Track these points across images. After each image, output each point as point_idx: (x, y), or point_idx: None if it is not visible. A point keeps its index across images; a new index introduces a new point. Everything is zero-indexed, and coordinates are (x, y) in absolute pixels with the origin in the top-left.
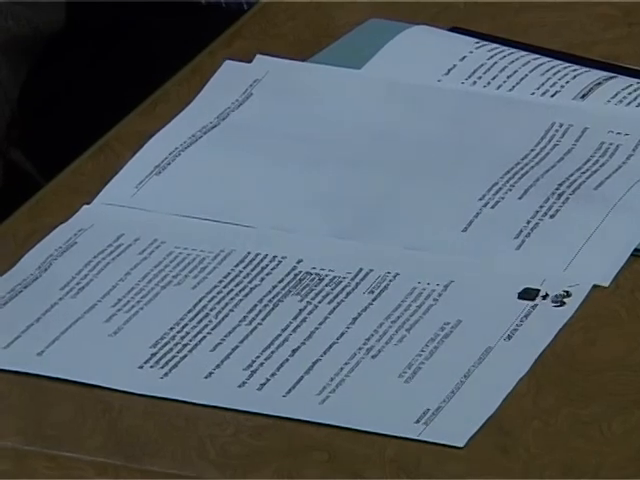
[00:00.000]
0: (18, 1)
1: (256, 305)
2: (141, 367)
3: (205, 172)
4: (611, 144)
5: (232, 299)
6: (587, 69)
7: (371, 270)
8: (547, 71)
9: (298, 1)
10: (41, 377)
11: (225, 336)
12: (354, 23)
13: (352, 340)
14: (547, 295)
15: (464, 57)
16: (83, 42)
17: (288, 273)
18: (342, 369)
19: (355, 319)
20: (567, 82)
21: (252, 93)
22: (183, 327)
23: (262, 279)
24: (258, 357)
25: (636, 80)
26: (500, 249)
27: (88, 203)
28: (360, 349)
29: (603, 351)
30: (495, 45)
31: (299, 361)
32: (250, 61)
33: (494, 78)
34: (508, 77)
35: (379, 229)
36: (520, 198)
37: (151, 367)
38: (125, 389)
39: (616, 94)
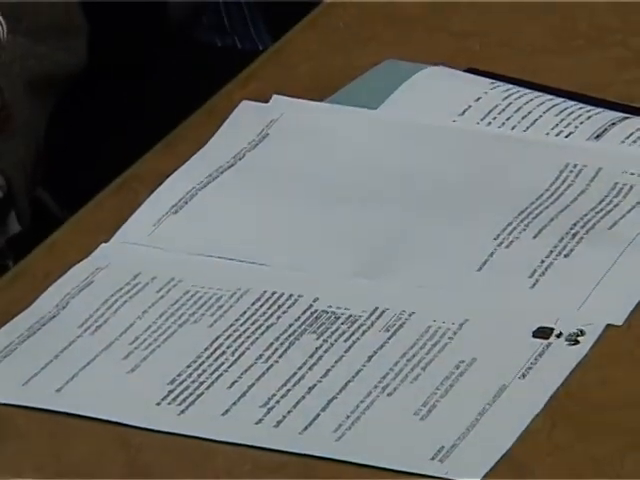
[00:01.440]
0: (41, 42)
1: (272, 343)
2: (159, 404)
3: (222, 211)
4: (625, 184)
5: (248, 337)
6: (601, 110)
7: (387, 309)
8: (561, 112)
9: (313, 42)
10: (59, 413)
11: (242, 374)
12: (370, 64)
13: (368, 378)
14: (561, 334)
15: (479, 98)
16: (103, 81)
17: (304, 311)
18: (358, 407)
19: (371, 357)
20: (581, 123)
21: (268, 133)
22: (200, 365)
23: (278, 317)
24: (275, 394)
25: None
26: (514, 288)
27: (106, 241)
28: (376, 387)
29: (617, 389)
30: (510, 86)
31: (315, 398)
32: (266, 102)
33: (509, 119)
34: (523, 118)
35: (394, 268)
36: (534, 237)
37: (169, 404)
38: (143, 425)
39: (630, 135)
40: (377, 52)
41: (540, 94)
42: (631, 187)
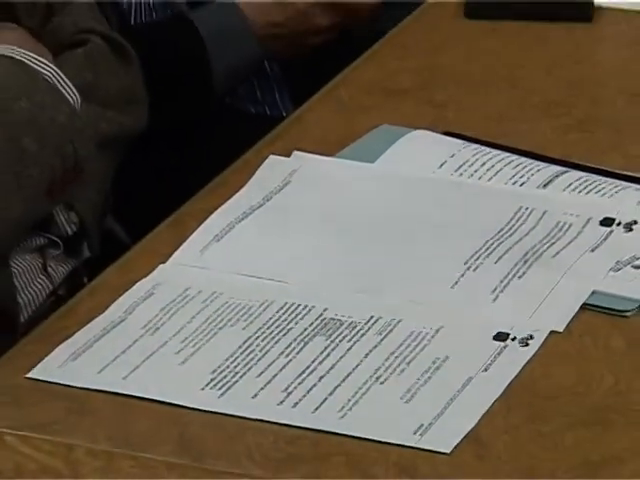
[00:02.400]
0: (110, 109)
1: (291, 343)
2: (203, 389)
3: (253, 240)
4: (565, 223)
5: (273, 338)
6: (548, 165)
7: (380, 317)
8: (517, 166)
9: (325, 110)
10: (126, 396)
11: (267, 366)
12: (369, 128)
13: (365, 371)
14: (515, 338)
15: (453, 154)
16: (161, 138)
17: (316, 318)
18: (357, 392)
19: (367, 354)
20: (532, 174)
21: (290, 181)
22: (235, 359)
23: (296, 323)
24: (292, 382)
25: (585, 174)
26: (480, 302)
27: (163, 263)
28: (371, 377)
29: (558, 382)
30: (477, 146)
31: (325, 386)
32: (288, 156)
33: (476, 171)
34: (487, 170)
35: (387, 286)
36: (495, 263)
37: (210, 389)
38: (190, 406)
39: (570, 184)
40: (375, 118)
41: (501, 152)
42: (570, 225)
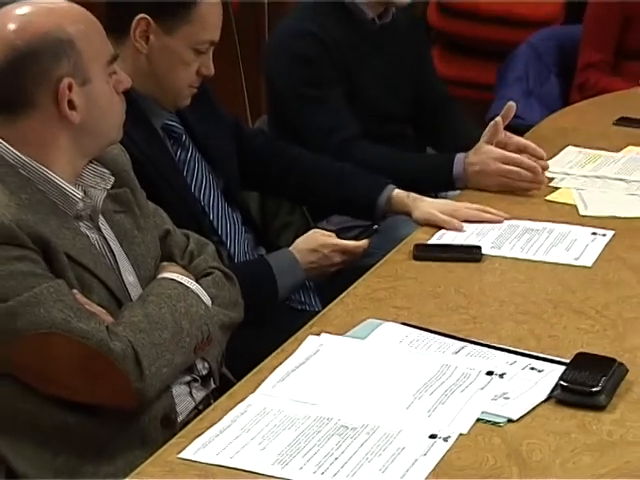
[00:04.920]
0: (224, 307)
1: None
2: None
3: (303, 382)
4: (467, 373)
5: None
6: (458, 341)
7: (368, 424)
8: (442, 344)
9: (338, 309)
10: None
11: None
12: (363, 319)
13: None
14: (440, 437)
15: (407, 336)
16: (246, 324)
17: (334, 425)
18: (354, 468)
19: (355, 451)
20: (449, 347)
21: (319, 350)
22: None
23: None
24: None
25: (477, 347)
26: (421, 417)
27: (252, 393)
28: (362, 459)
29: (467, 462)
30: (420, 331)
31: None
32: (318, 335)
33: (420, 345)
34: (426, 345)
35: (370, 409)
36: (430, 395)
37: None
38: (263, 472)
39: (469, 353)
40: (365, 314)
41: (434, 335)
42: (470, 374)
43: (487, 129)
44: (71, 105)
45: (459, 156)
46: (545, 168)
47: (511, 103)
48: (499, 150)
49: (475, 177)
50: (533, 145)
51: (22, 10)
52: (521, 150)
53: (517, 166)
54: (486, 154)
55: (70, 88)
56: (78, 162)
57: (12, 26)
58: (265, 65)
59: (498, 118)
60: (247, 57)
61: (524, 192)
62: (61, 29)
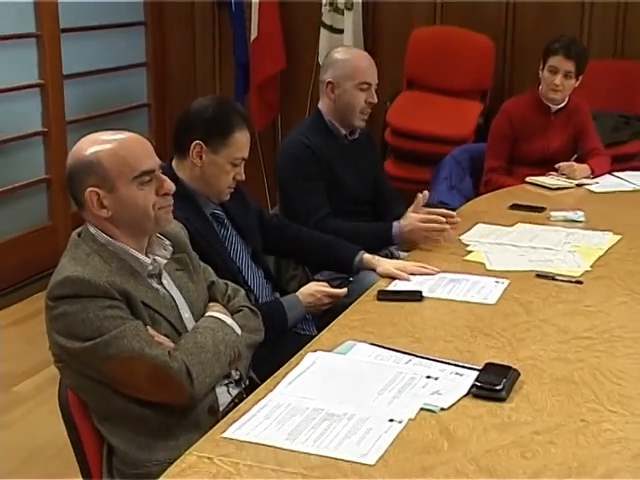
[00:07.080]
0: (250, 333)
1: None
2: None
3: (306, 384)
4: (414, 377)
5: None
6: (408, 356)
7: (351, 413)
8: (400, 359)
9: (330, 334)
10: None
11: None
12: (345, 340)
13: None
14: (396, 420)
15: (377, 355)
16: (262, 345)
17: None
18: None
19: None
20: (407, 360)
21: (315, 362)
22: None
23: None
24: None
25: (423, 360)
26: (383, 407)
27: (271, 391)
28: (340, 432)
29: (413, 438)
30: (385, 350)
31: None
32: (315, 352)
33: (385, 358)
34: (391, 358)
35: (352, 404)
36: (389, 392)
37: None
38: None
39: (416, 363)
40: (346, 336)
41: (395, 352)
42: (414, 378)
43: (413, 204)
44: (102, 205)
45: (395, 223)
46: (455, 222)
47: (425, 192)
48: (420, 215)
49: (407, 235)
50: (444, 211)
51: (82, 139)
52: (437, 216)
53: (433, 222)
54: (412, 218)
55: (98, 194)
56: (139, 239)
57: (72, 150)
58: (275, 166)
59: (419, 195)
60: (268, 164)
61: (441, 244)
62: (94, 153)
